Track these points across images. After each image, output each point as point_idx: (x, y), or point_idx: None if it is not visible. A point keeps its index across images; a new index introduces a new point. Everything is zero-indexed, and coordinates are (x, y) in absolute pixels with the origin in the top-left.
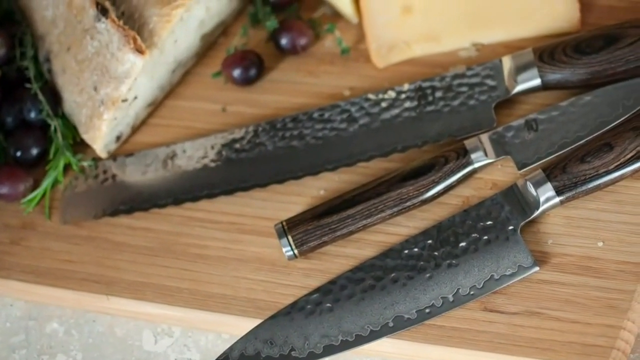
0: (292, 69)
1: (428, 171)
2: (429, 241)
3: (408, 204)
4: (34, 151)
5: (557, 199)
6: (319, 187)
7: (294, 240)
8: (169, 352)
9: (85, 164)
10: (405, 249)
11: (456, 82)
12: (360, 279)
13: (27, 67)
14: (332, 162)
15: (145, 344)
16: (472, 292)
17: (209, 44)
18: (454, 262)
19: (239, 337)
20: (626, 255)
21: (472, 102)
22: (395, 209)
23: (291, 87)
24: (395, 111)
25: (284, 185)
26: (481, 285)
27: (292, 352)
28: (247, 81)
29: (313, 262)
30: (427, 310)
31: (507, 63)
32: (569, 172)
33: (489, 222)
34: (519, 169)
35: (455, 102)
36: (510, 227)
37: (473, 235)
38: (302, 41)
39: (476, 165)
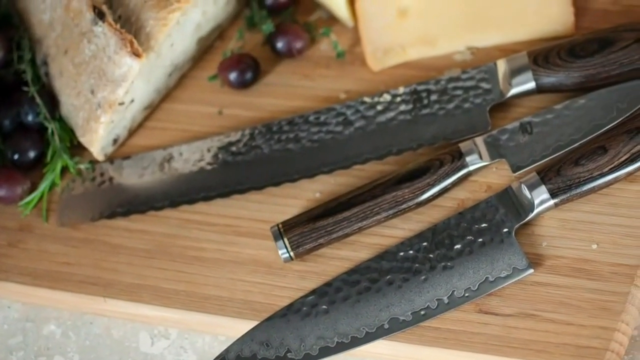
0: (288, 72)
1: (423, 174)
2: (424, 243)
3: (403, 206)
4: (32, 154)
5: (552, 202)
6: (315, 189)
7: (289, 243)
8: (165, 354)
9: (82, 166)
10: (401, 251)
11: (451, 85)
12: (355, 281)
13: (25, 71)
14: (327, 165)
15: (142, 346)
16: (467, 294)
17: (206, 47)
18: (449, 264)
19: (235, 339)
20: (620, 258)
21: (467, 105)
22: (391, 212)
23: (287, 91)
24: (391, 114)
25: (280, 187)
26: (476, 287)
27: (288, 354)
28: (243, 84)
29: (309, 264)
30: (423, 312)
31: (501, 66)
32: (563, 175)
33: (483, 225)
34: (514, 171)
35: (450, 105)
36: (505, 230)
37: (468, 237)
38: (298, 44)
39: (471, 168)
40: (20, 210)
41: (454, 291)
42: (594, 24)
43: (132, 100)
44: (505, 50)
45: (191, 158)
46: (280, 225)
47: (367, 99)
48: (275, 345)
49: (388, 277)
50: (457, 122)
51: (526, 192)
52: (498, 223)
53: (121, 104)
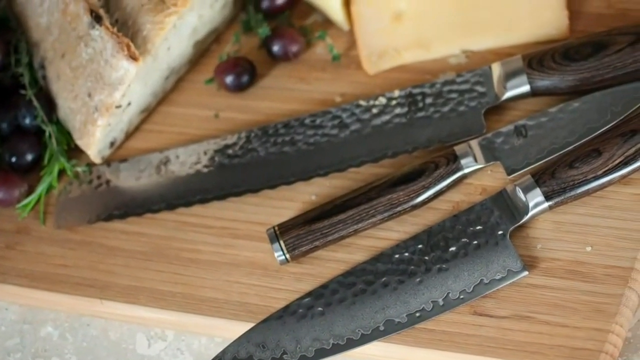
0: (284, 76)
1: (418, 177)
2: (420, 246)
3: (399, 209)
4: (29, 157)
5: (546, 204)
6: (311, 192)
7: (285, 245)
8: (162, 356)
9: (79, 169)
10: (396, 254)
11: (446, 88)
12: (351, 283)
13: (22, 74)
14: (323, 168)
15: (139, 348)
16: (462, 296)
17: (202, 51)
18: (444, 266)
19: (231, 341)
20: (614, 260)
21: (462, 108)
22: (386, 214)
23: (283, 94)
24: (386, 117)
25: (276, 190)
26: (471, 289)
27: (284, 356)
28: (239, 88)
29: (305, 266)
30: (418, 314)
31: (496, 70)
32: (557, 177)
33: (478, 227)
34: (508, 174)
35: (445, 109)
36: (500, 232)
37: (463, 240)
38: (294, 48)
39: (466, 170)
40: (18, 212)
41: (449, 293)
42: (588, 28)
43: (129, 104)
44: (500, 54)
45: (188, 161)
46: (276, 228)
47: (362, 102)
48: (271, 346)
49: (383, 279)
50: (452, 125)
51: (521, 194)
52: (493, 225)
53: (118, 107)
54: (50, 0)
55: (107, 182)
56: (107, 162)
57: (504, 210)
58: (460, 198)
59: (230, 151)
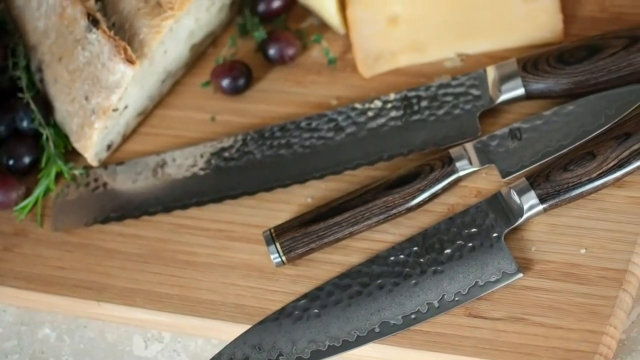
0: (280, 79)
1: (414, 179)
2: (415, 248)
3: (394, 211)
4: (26, 160)
5: (541, 207)
6: (307, 195)
7: (281, 247)
8: (159, 357)
9: (76, 172)
10: (392, 256)
11: (441, 91)
12: (347, 285)
13: (20, 77)
14: (319, 170)
15: (136, 349)
16: (457, 298)
17: (198, 54)
18: (439, 268)
19: (228, 342)
20: (608, 262)
21: (457, 111)
22: (382, 217)
23: (279, 97)
24: (382, 120)
25: (272, 193)
26: (466, 292)
27: (280, 357)
28: (235, 91)
29: (301, 268)
30: (413, 316)
31: (491, 73)
32: (552, 180)
33: (473, 230)
34: (503, 177)
35: (441, 112)
36: (495, 235)
37: (458, 242)
38: (290, 51)
39: (461, 173)
40: (15, 215)
41: (444, 295)
42: (582, 31)
43: (126, 107)
44: (495, 57)
45: (184, 164)
46: (272, 230)
47: (358, 105)
48: (268, 348)
49: (379, 281)
50: (447, 128)
51: (515, 197)
52: (488, 228)
53: (115, 110)
54: (47, 4)
55: (104, 184)
56: (104, 164)
57: (498, 212)
58: (455, 200)
59: (226, 154)
